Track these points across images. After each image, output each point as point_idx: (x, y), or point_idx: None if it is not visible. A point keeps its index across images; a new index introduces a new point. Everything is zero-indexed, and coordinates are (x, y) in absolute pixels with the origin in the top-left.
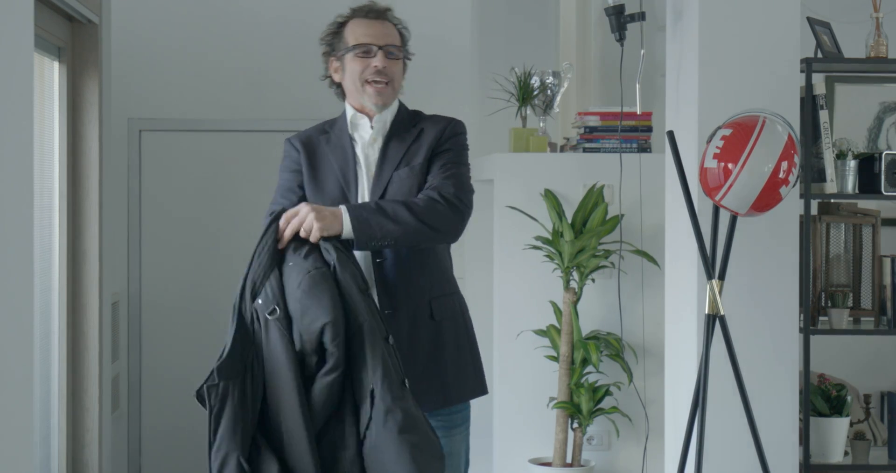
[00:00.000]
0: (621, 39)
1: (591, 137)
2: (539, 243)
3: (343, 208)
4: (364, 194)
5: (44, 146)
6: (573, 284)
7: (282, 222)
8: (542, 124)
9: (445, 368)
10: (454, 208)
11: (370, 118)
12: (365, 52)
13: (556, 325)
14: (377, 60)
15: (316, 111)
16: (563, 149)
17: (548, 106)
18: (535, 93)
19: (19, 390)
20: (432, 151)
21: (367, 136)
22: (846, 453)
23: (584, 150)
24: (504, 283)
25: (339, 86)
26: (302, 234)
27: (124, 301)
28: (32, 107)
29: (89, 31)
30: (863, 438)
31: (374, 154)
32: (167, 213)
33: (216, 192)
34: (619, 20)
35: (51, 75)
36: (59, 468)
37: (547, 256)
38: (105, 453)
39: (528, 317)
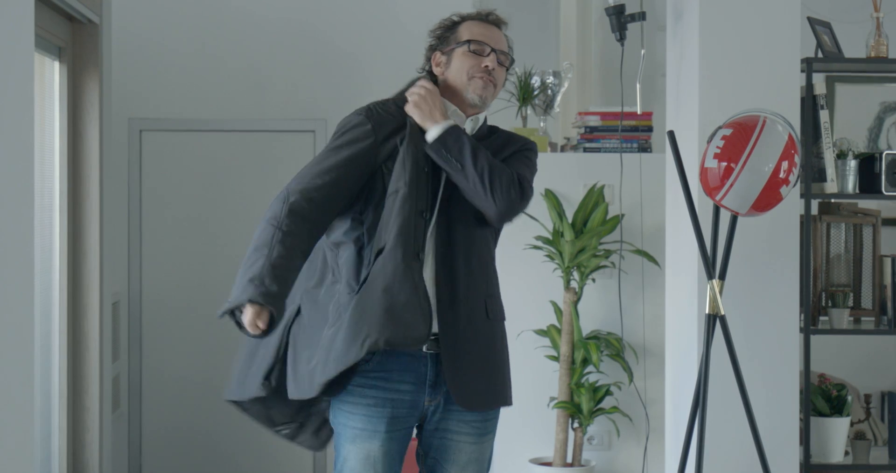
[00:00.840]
0: (622, 39)
1: (592, 137)
2: (539, 243)
3: (446, 123)
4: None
5: (44, 146)
6: (574, 284)
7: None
8: (542, 124)
9: (497, 369)
10: (520, 200)
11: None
12: (478, 49)
13: (557, 325)
14: (489, 60)
15: (316, 111)
16: (563, 149)
17: (548, 106)
18: (536, 93)
19: (20, 389)
20: (509, 155)
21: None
22: (846, 453)
23: (585, 150)
24: (504, 283)
25: (434, 81)
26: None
27: (125, 301)
28: (33, 107)
29: (90, 31)
30: (863, 438)
31: None
32: (167, 213)
33: (216, 192)
34: (620, 20)
35: (51, 75)
36: (59, 467)
37: (547, 256)
38: (105, 452)
39: (529, 317)
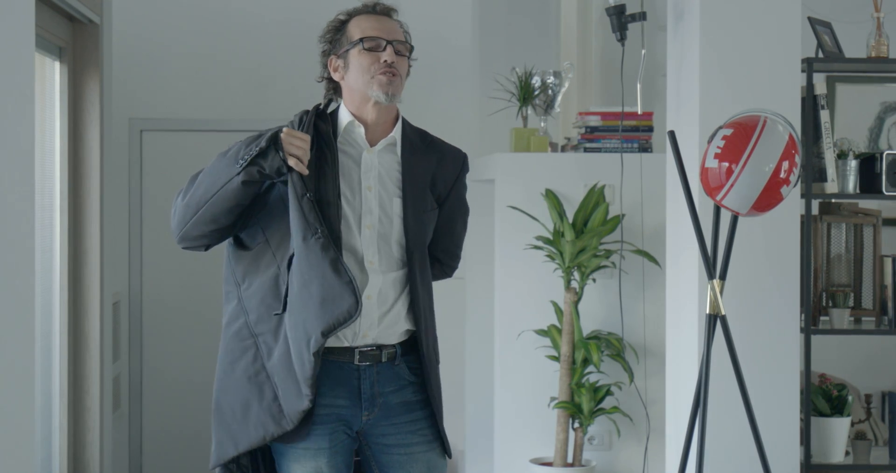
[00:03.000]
0: (622, 39)
1: (592, 137)
2: (540, 243)
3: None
4: (371, 208)
5: (45, 146)
6: (574, 284)
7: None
8: (542, 124)
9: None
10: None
11: (366, 128)
12: (374, 45)
13: (557, 325)
14: (387, 54)
15: None
16: (564, 149)
17: (549, 106)
18: (536, 93)
19: (20, 389)
20: (449, 190)
21: (359, 145)
22: (847, 453)
23: (585, 150)
24: (505, 283)
25: (335, 89)
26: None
27: (125, 301)
28: (33, 107)
29: (90, 31)
30: (864, 438)
31: (377, 164)
32: (168, 213)
33: None
34: (620, 20)
35: (52, 75)
36: (60, 467)
37: (548, 256)
38: (106, 452)
39: (529, 317)
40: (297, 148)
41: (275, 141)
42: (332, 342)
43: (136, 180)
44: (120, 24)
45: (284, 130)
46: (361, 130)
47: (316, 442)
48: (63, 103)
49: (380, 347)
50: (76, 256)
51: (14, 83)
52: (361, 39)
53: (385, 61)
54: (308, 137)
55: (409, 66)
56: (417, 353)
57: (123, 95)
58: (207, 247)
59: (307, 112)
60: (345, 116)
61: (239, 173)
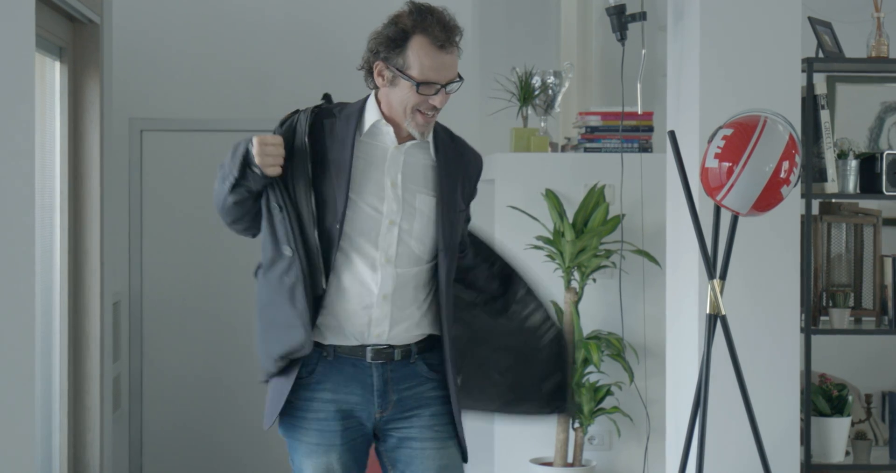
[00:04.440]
0: (622, 39)
1: (593, 137)
2: (540, 243)
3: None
4: (392, 207)
5: (45, 146)
6: (574, 284)
7: None
8: (543, 124)
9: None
10: None
11: (394, 129)
12: (428, 90)
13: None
14: (437, 99)
15: None
16: (564, 149)
17: (549, 106)
18: (536, 93)
19: (21, 389)
20: (472, 191)
21: (386, 141)
22: (847, 453)
23: (586, 150)
24: None
25: (374, 86)
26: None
27: (125, 301)
28: (34, 107)
29: (90, 31)
30: (864, 438)
31: (402, 161)
32: (168, 213)
33: None
34: (621, 20)
35: (52, 75)
36: (60, 467)
37: (548, 256)
38: (106, 452)
39: None
40: (270, 156)
41: (246, 159)
42: (339, 340)
43: (137, 179)
44: (120, 23)
45: (253, 141)
46: (390, 128)
47: (328, 438)
48: (63, 103)
49: (392, 345)
50: (76, 256)
51: (14, 83)
52: (419, 83)
53: (433, 105)
54: (279, 139)
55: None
56: (439, 351)
57: (124, 95)
58: (255, 235)
59: (296, 112)
60: (373, 115)
61: (229, 196)
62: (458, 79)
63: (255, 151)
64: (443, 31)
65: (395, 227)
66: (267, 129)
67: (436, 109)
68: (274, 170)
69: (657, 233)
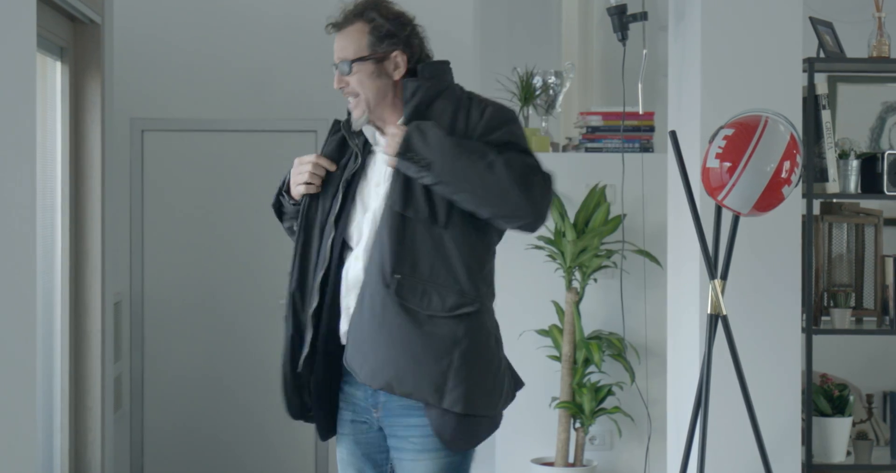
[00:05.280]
0: (623, 39)
1: (594, 137)
2: (541, 243)
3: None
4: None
5: (46, 146)
6: (575, 284)
7: None
8: (544, 124)
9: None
10: None
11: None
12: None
13: (559, 325)
14: (334, 81)
15: (319, 111)
16: (565, 149)
17: (550, 106)
18: (538, 93)
19: (22, 389)
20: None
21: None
22: (848, 453)
23: (587, 150)
24: (506, 283)
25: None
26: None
27: (126, 301)
28: (35, 107)
29: (91, 31)
30: (865, 438)
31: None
32: (169, 213)
33: (218, 192)
34: (622, 20)
35: (53, 75)
36: (61, 466)
37: (549, 256)
38: (107, 452)
39: (531, 317)
40: (302, 174)
41: (285, 191)
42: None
43: (138, 179)
44: (121, 23)
45: (292, 171)
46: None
47: (342, 427)
48: (64, 103)
49: None
50: (77, 255)
51: (15, 83)
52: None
53: (338, 88)
54: (312, 157)
55: (383, 62)
56: None
57: (125, 95)
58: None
59: (337, 122)
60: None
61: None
62: (349, 60)
63: (291, 180)
64: (340, 12)
65: None
66: (267, 129)
67: (344, 92)
68: (304, 188)
69: (658, 233)
